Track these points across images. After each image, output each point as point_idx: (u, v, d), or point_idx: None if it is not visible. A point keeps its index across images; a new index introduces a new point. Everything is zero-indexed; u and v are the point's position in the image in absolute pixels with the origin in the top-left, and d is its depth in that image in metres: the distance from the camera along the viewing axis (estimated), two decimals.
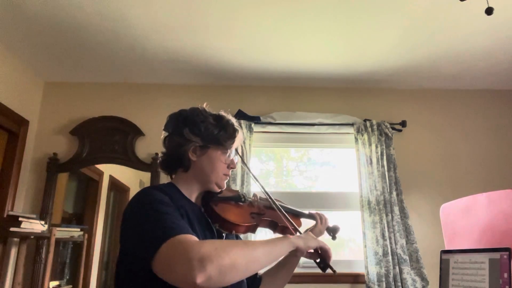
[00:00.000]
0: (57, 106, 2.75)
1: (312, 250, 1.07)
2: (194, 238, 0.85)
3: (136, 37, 2.25)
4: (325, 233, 1.44)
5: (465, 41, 2.28)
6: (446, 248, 1.65)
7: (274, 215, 1.21)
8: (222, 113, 1.19)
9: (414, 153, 2.75)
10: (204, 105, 1.20)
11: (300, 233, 1.16)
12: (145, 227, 0.88)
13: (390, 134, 2.65)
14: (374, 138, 2.61)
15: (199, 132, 1.11)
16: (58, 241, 2.38)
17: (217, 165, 1.13)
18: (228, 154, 1.15)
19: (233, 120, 1.19)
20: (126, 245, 0.95)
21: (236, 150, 1.20)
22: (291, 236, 0.98)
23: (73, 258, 2.53)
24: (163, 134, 1.17)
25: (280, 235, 1.20)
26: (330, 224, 1.43)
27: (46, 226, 2.36)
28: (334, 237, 1.43)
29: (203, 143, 1.11)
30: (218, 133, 1.13)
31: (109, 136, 2.65)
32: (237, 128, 1.18)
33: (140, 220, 0.91)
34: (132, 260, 0.92)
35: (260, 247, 0.90)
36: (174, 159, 1.13)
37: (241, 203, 1.21)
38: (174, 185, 1.12)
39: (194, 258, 0.77)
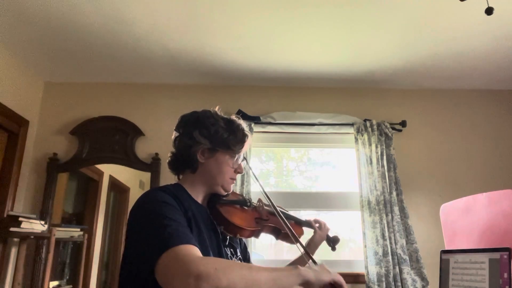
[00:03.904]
0: (57, 106, 2.75)
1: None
2: (196, 250, 0.84)
3: (136, 37, 2.25)
4: (325, 243, 1.45)
5: (465, 41, 2.28)
6: (446, 248, 1.65)
7: (278, 222, 1.21)
8: (233, 117, 1.20)
9: (414, 153, 2.74)
10: (216, 108, 1.20)
11: (300, 243, 1.15)
12: (149, 232, 0.88)
13: (390, 134, 2.65)
14: (374, 138, 2.61)
15: (209, 135, 1.12)
16: (58, 241, 2.38)
17: (224, 168, 1.13)
18: (236, 159, 1.16)
19: (244, 125, 1.19)
20: (131, 248, 0.95)
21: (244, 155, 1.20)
22: (302, 268, 0.90)
23: (73, 258, 2.53)
24: (174, 134, 1.17)
25: (283, 242, 1.21)
26: (331, 234, 1.44)
27: (46, 226, 2.36)
28: (334, 248, 1.44)
29: (211, 146, 1.12)
30: (228, 137, 1.13)
31: (109, 136, 2.65)
32: (247, 133, 1.19)
33: (145, 225, 0.91)
34: (136, 263, 0.92)
35: (265, 274, 0.84)
36: (183, 160, 1.14)
37: (246, 208, 1.23)
38: (182, 186, 1.12)
39: (191, 274, 0.76)
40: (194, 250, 0.84)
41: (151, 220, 0.90)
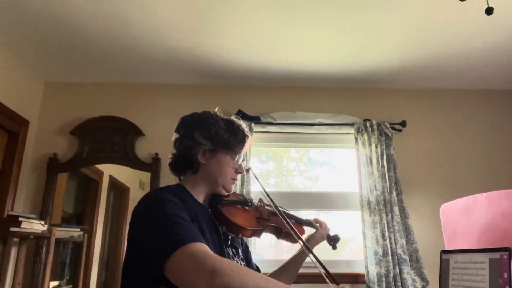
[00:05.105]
0: (57, 106, 2.75)
1: None
2: (208, 248, 0.85)
3: (136, 37, 2.25)
4: (326, 242, 1.47)
5: (465, 41, 2.28)
6: (446, 248, 1.65)
7: (279, 221, 1.23)
8: (233, 118, 1.21)
9: (414, 153, 2.74)
10: (216, 109, 1.21)
11: (302, 240, 1.17)
12: (159, 230, 0.88)
13: (390, 134, 2.65)
14: (374, 138, 2.61)
15: (210, 136, 1.13)
16: (58, 241, 2.38)
17: (225, 169, 1.14)
18: (236, 159, 1.17)
19: (244, 126, 1.20)
20: (136, 247, 0.95)
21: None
22: None
23: (73, 258, 2.53)
24: (174, 135, 1.18)
25: (283, 241, 1.21)
26: (331, 233, 1.45)
27: (46, 226, 2.36)
28: (334, 247, 1.45)
29: (212, 147, 1.13)
30: (228, 138, 1.14)
31: (109, 136, 2.65)
32: (247, 133, 1.20)
33: (153, 223, 0.91)
34: (142, 260, 0.92)
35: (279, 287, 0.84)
36: (184, 161, 1.14)
37: (247, 208, 1.23)
38: (183, 187, 1.12)
39: (206, 269, 0.78)
40: (207, 248, 0.85)
41: (158, 219, 0.91)
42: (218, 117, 1.18)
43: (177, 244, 0.83)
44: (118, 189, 2.70)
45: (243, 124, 1.21)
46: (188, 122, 1.17)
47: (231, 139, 1.14)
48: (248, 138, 1.19)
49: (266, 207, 1.27)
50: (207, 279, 0.77)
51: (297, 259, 1.35)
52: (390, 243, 2.40)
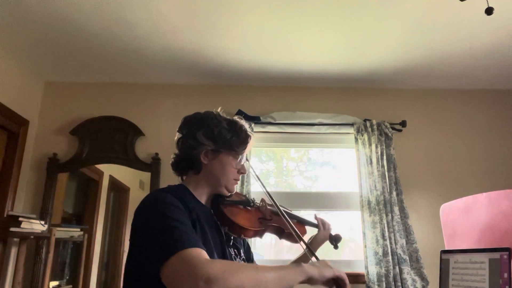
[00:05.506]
0: (57, 106, 2.75)
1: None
2: (204, 254, 0.85)
3: (136, 37, 2.25)
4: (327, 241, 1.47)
5: (465, 41, 2.28)
6: (446, 248, 1.65)
7: (281, 221, 1.23)
8: (236, 118, 1.20)
9: (414, 153, 2.74)
10: (219, 109, 1.21)
11: (303, 241, 1.16)
12: (156, 234, 0.88)
13: (390, 134, 2.65)
14: (374, 138, 2.61)
15: (212, 136, 1.12)
16: (58, 241, 2.38)
17: (227, 169, 1.14)
18: (239, 160, 1.16)
19: (246, 126, 1.20)
20: (137, 249, 0.96)
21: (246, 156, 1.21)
22: (305, 265, 0.94)
23: (73, 258, 2.53)
24: (177, 135, 1.18)
25: (285, 241, 1.21)
26: (333, 232, 1.45)
27: (46, 226, 2.37)
28: (336, 246, 1.45)
29: (215, 147, 1.12)
30: (231, 138, 1.14)
31: (109, 136, 2.65)
32: (250, 134, 1.20)
33: (151, 226, 0.91)
34: (142, 264, 0.92)
35: (271, 273, 0.86)
36: (186, 161, 1.14)
37: (249, 208, 1.24)
38: (185, 187, 1.12)
39: (201, 278, 0.77)
40: (203, 254, 0.85)
41: (158, 222, 0.91)
42: (221, 117, 1.17)
43: (173, 249, 0.83)
44: (118, 189, 2.70)
45: (245, 124, 1.20)
46: (191, 122, 1.17)
47: (234, 140, 1.14)
48: (250, 138, 1.19)
49: (268, 207, 1.27)
50: (203, 287, 0.76)
51: (300, 261, 1.35)
52: (390, 243, 2.40)
